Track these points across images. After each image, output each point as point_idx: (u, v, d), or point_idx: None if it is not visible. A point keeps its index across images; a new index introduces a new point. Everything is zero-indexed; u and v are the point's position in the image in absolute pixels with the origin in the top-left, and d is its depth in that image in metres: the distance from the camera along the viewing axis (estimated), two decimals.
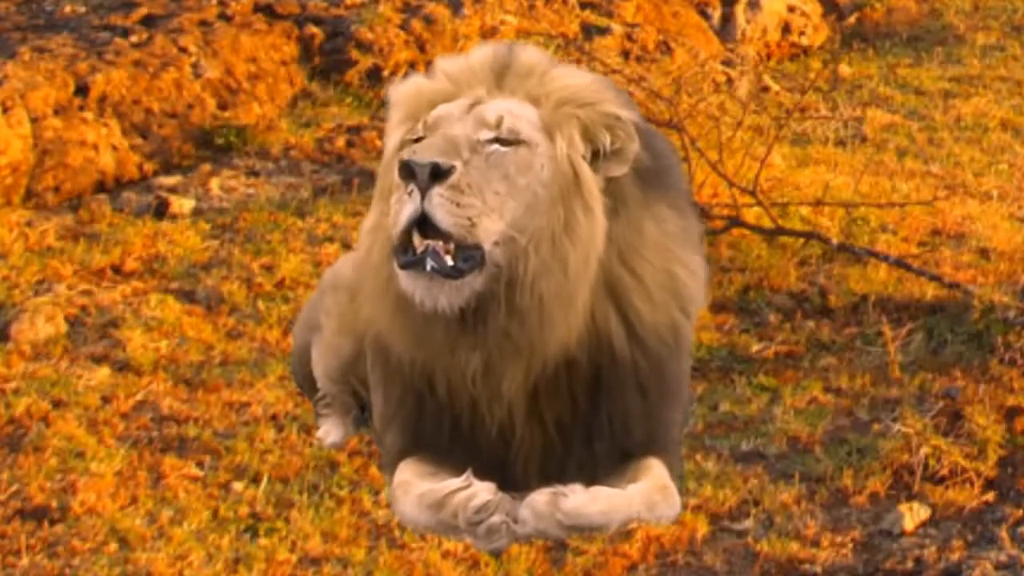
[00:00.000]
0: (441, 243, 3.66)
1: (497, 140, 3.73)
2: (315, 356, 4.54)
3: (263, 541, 3.92)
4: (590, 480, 3.87)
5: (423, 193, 3.64)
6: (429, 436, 3.97)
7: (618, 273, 3.86)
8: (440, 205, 3.64)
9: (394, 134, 3.92)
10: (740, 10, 9.04)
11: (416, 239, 3.68)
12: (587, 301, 3.83)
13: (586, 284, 3.81)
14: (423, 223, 3.66)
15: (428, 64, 4.06)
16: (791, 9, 9.23)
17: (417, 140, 3.78)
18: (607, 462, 3.92)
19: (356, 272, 4.16)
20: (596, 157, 3.81)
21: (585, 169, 3.79)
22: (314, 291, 5.10)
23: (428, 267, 3.66)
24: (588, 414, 3.92)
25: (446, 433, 3.95)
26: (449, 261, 3.66)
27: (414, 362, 3.91)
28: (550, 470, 3.90)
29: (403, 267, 3.70)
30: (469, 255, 3.68)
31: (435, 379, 3.90)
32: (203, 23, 7.39)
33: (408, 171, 3.65)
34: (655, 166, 3.92)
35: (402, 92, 3.95)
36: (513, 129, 3.75)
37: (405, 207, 3.67)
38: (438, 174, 3.64)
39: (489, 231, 3.68)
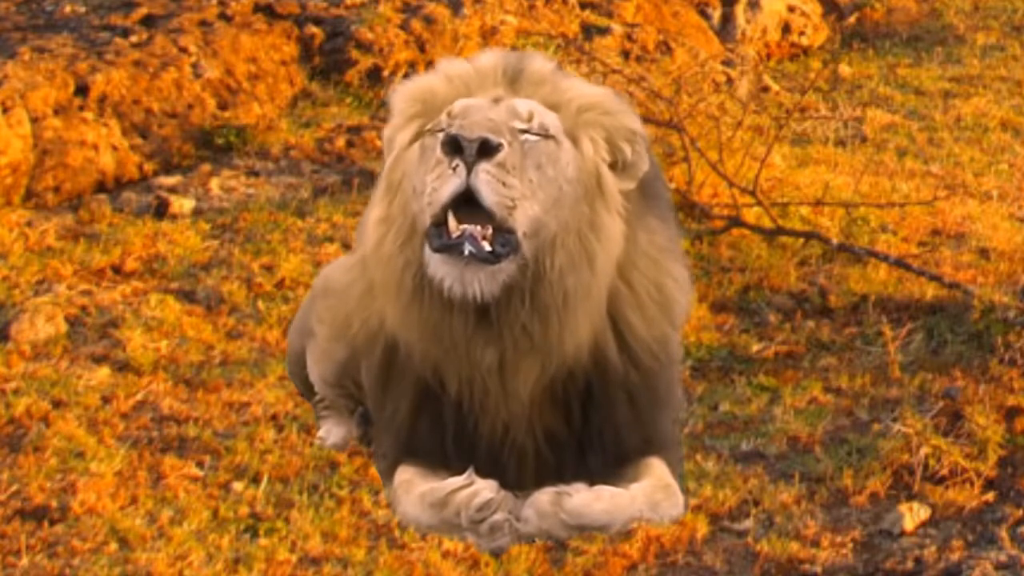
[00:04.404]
0: (479, 227, 3.63)
1: (528, 132, 3.72)
2: (310, 361, 4.52)
3: (263, 541, 3.92)
4: (588, 483, 3.88)
5: (469, 169, 3.61)
6: (425, 444, 3.96)
7: (616, 285, 3.86)
8: (487, 182, 3.61)
9: (405, 130, 3.87)
10: (740, 10, 9.04)
11: (452, 223, 3.64)
12: (604, 303, 3.83)
13: (607, 284, 3.82)
14: (460, 205, 3.62)
15: (428, 64, 4.04)
16: (791, 9, 9.23)
17: (442, 131, 3.73)
18: (602, 470, 3.91)
19: (364, 267, 4.09)
20: (613, 168, 3.82)
21: (608, 175, 3.79)
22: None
23: (466, 251, 3.62)
24: (579, 426, 3.92)
25: (441, 440, 3.94)
26: (486, 246, 3.63)
27: (425, 357, 3.89)
28: (545, 481, 3.89)
29: (437, 250, 3.65)
30: (505, 240, 3.65)
31: (446, 375, 3.88)
32: (203, 23, 7.39)
33: (455, 145, 3.61)
34: (644, 177, 3.93)
35: (412, 90, 3.90)
36: (543, 124, 3.74)
37: (448, 183, 3.62)
38: (487, 150, 3.61)
39: (524, 217, 3.66)
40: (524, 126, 3.72)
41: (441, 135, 3.71)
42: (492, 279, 3.66)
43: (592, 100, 3.85)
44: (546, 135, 3.73)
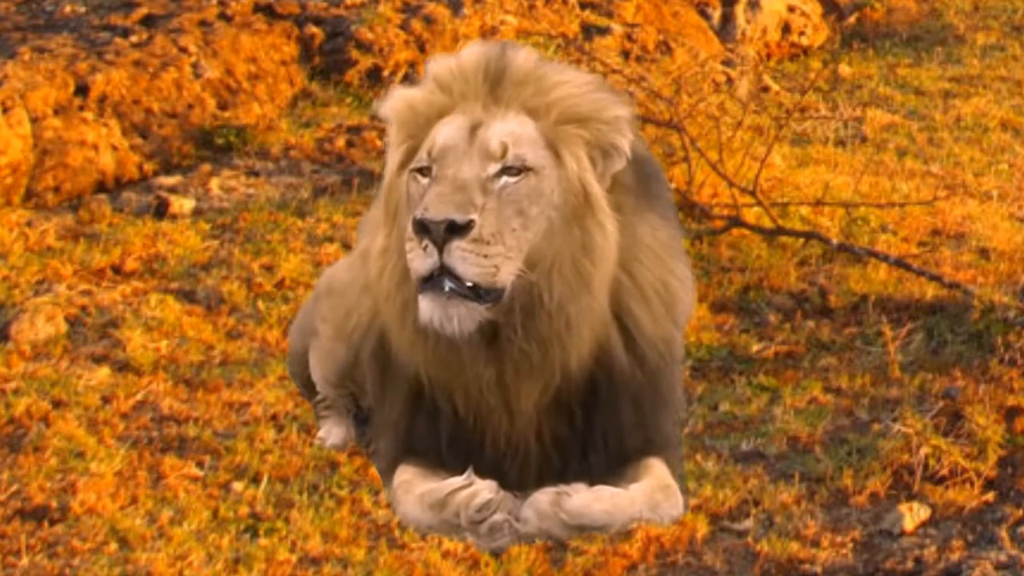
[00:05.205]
0: None
1: (504, 171, 3.70)
2: (313, 361, 4.53)
3: (263, 541, 3.92)
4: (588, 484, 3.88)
5: (440, 248, 3.60)
6: (423, 444, 3.96)
7: (619, 278, 3.86)
8: (462, 259, 3.61)
9: (394, 153, 3.88)
10: (740, 10, 9.04)
11: None
12: (606, 311, 3.83)
13: (606, 295, 3.82)
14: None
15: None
16: (791, 9, 9.23)
17: (423, 170, 3.75)
18: (603, 471, 3.91)
19: (364, 264, 4.12)
20: (607, 157, 3.81)
21: (595, 186, 3.77)
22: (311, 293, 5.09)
23: (446, 287, 3.63)
24: (583, 428, 3.92)
25: (440, 442, 3.94)
26: (468, 281, 3.64)
27: (433, 380, 3.90)
28: (546, 482, 3.89)
29: (422, 291, 3.67)
30: (489, 291, 3.67)
31: (456, 396, 3.89)
32: (203, 23, 7.39)
33: (422, 227, 3.61)
34: (642, 173, 3.92)
35: (396, 109, 3.89)
36: (519, 156, 3.71)
37: (422, 261, 3.63)
38: (456, 229, 3.60)
39: (510, 272, 3.67)
40: (498, 167, 3.70)
41: (422, 180, 3.72)
42: (469, 317, 3.67)
43: (569, 106, 3.79)
44: (524, 168, 3.71)
